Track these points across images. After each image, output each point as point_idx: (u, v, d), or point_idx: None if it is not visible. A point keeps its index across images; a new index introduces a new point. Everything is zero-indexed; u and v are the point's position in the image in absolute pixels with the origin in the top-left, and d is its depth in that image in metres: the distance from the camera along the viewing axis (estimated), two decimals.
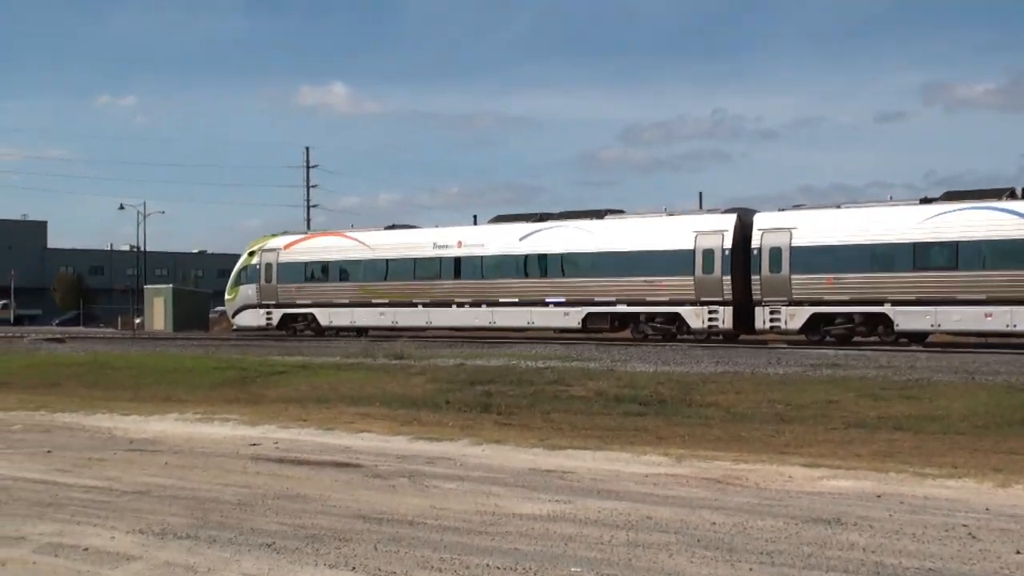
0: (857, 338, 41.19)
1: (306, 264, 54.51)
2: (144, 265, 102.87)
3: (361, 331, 53.04)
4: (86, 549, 10.46)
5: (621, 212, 48.45)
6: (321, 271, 54.15)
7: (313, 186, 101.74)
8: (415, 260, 50.92)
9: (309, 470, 14.75)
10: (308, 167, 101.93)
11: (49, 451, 16.40)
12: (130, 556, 10.16)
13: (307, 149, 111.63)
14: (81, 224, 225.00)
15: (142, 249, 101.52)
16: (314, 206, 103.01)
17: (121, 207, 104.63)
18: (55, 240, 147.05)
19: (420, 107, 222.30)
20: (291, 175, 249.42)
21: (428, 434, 17.84)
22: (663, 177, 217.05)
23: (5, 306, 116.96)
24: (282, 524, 11.35)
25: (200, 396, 23.91)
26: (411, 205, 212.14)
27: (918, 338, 40.51)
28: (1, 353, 34.89)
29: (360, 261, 52.93)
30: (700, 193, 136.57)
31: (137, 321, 77.40)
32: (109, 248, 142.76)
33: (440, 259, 50.05)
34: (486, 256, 48.95)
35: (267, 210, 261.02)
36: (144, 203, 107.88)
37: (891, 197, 42.50)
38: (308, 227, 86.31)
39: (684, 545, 10.09)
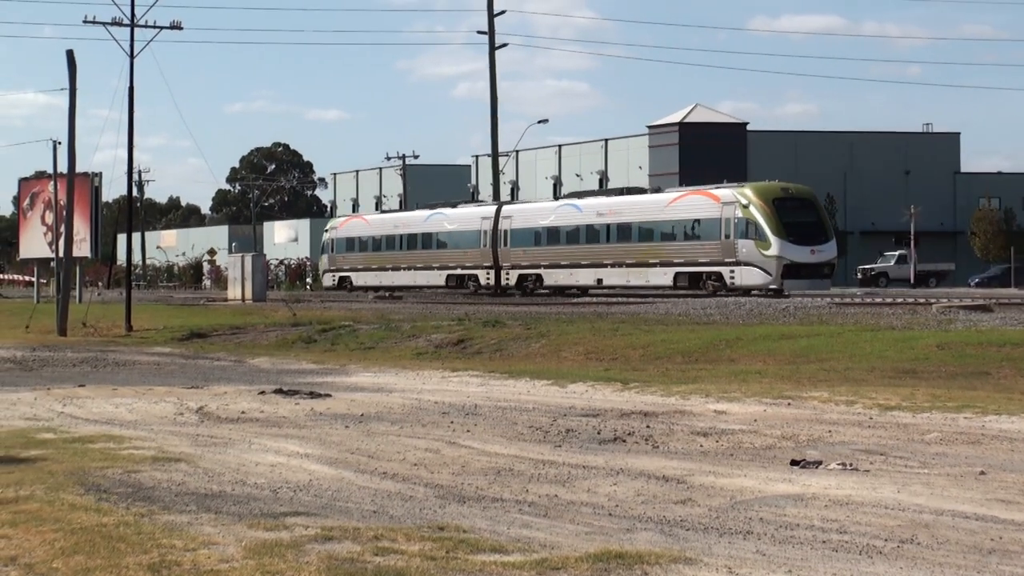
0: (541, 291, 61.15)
1: (347, 240, 76.77)
2: None
3: (372, 289, 72.00)
4: None
5: (453, 204, 71.47)
6: (349, 245, 76.35)
7: None
8: (384, 236, 73.18)
9: None
10: None
11: (982, 472, 11.70)
12: None
13: None
14: (1007, 135, 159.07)
15: None
16: None
17: None
18: (972, 160, 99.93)
19: None
20: None
21: None
22: None
23: (903, 257, 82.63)
24: None
25: None
26: None
27: (561, 291, 60.15)
28: (902, 328, 27.23)
29: (367, 237, 75.03)
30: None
31: None
32: None
33: (396, 236, 72.29)
34: (409, 234, 71.00)
35: None
36: None
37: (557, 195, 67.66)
38: None
39: None
